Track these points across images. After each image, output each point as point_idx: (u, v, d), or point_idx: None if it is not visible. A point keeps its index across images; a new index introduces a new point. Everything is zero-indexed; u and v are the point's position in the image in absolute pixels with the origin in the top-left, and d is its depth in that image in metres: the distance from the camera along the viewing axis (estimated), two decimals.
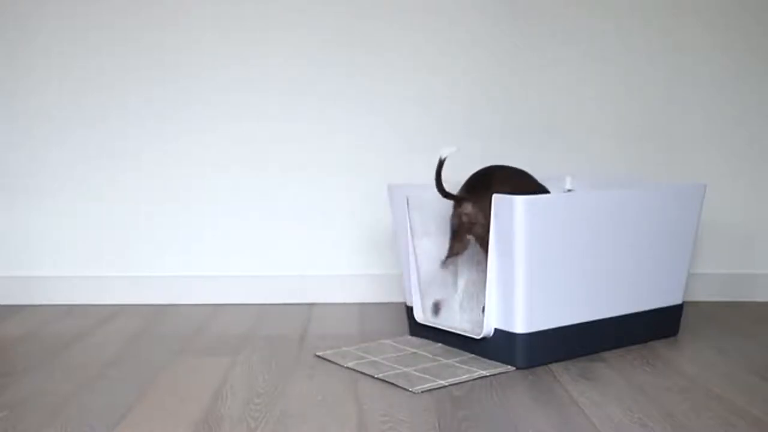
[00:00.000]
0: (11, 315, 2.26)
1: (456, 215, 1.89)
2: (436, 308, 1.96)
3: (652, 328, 1.96)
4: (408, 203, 1.93)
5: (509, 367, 1.75)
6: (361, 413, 1.49)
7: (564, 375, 1.72)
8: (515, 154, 2.38)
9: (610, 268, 1.85)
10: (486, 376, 1.70)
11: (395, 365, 1.76)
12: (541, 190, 1.93)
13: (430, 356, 1.83)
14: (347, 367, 1.76)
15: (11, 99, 2.36)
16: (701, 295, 2.42)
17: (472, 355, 1.83)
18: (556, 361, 1.80)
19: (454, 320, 1.96)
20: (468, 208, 1.86)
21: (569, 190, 2.16)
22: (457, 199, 1.87)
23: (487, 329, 1.78)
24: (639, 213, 1.88)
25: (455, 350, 1.87)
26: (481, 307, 1.96)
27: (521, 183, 1.90)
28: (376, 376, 1.69)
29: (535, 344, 1.75)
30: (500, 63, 2.37)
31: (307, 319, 2.20)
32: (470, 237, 1.88)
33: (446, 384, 1.64)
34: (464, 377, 1.68)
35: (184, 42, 2.35)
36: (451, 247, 1.92)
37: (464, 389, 1.63)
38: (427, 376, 1.68)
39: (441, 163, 1.83)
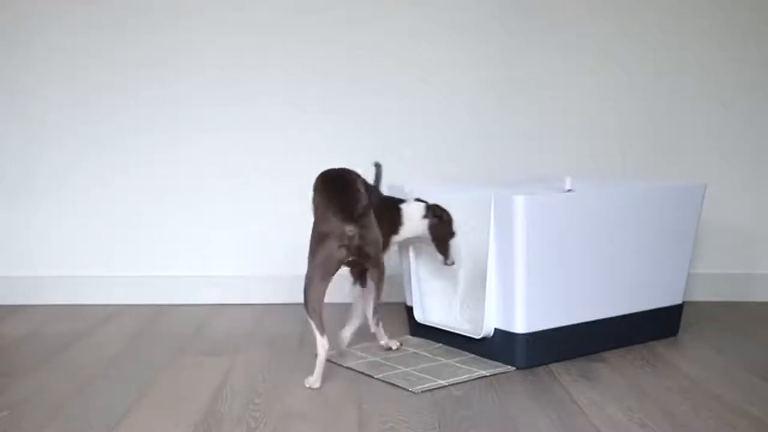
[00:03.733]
0: (11, 315, 2.26)
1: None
2: None
3: (652, 328, 1.96)
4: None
5: (509, 367, 1.75)
6: (361, 413, 1.49)
7: (564, 375, 1.72)
8: (515, 154, 2.38)
9: (610, 268, 1.85)
10: (486, 376, 1.70)
11: (395, 365, 1.76)
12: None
13: (430, 356, 1.83)
14: (347, 367, 1.76)
15: (11, 99, 2.36)
16: (701, 295, 2.41)
17: (472, 355, 1.83)
18: (556, 361, 1.80)
19: (455, 320, 1.96)
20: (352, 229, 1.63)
21: (569, 190, 2.16)
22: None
23: (487, 329, 1.78)
24: (639, 213, 1.88)
25: (455, 350, 1.87)
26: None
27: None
28: (376, 376, 1.69)
29: (535, 344, 1.75)
30: (500, 63, 2.37)
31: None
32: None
33: (446, 384, 1.64)
34: (464, 377, 1.68)
35: (183, 43, 2.34)
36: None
37: (464, 389, 1.63)
38: (427, 376, 1.68)
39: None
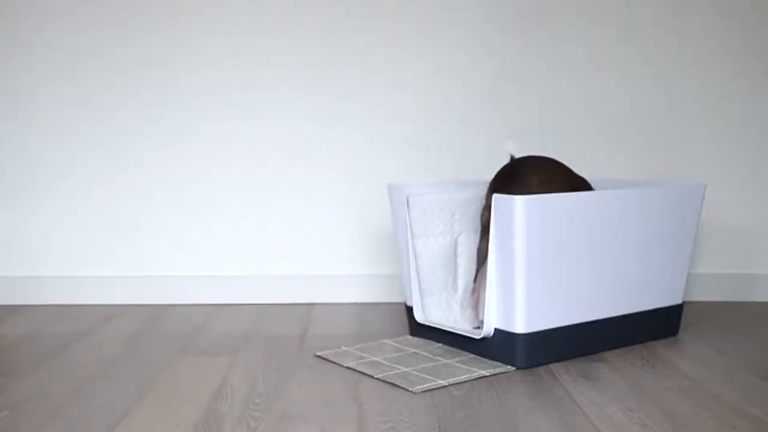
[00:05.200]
0: (11, 315, 2.26)
1: (485, 209, 1.92)
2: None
3: (652, 328, 1.96)
4: (408, 203, 1.93)
5: (509, 367, 1.75)
6: (361, 413, 1.49)
7: (564, 375, 1.72)
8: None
9: (610, 268, 1.85)
10: (486, 376, 1.70)
11: (395, 365, 1.76)
12: (570, 180, 1.92)
13: (430, 356, 1.83)
14: (347, 367, 1.76)
15: (11, 99, 2.36)
16: (701, 295, 2.42)
17: (472, 355, 1.83)
18: (556, 361, 1.80)
19: (455, 320, 1.96)
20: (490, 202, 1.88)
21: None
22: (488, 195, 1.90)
23: (487, 329, 1.78)
24: (639, 213, 1.88)
25: (455, 350, 1.87)
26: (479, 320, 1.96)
27: (546, 174, 1.90)
28: (376, 376, 1.69)
29: (535, 344, 1.75)
30: (501, 63, 2.37)
31: (307, 319, 2.20)
32: None
33: (446, 384, 1.64)
34: (464, 377, 1.68)
35: (183, 43, 2.35)
36: (482, 245, 1.94)
37: (464, 389, 1.63)
38: (427, 376, 1.68)
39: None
